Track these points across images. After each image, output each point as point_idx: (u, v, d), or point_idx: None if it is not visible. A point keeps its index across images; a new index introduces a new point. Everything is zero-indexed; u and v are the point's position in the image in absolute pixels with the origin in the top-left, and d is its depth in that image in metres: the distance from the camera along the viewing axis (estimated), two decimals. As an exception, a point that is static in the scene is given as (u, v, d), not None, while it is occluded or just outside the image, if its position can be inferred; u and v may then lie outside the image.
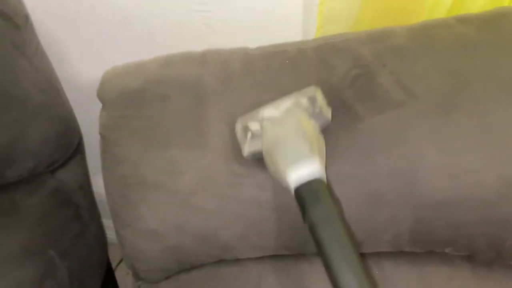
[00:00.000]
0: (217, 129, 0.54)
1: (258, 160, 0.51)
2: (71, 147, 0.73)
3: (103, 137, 0.62)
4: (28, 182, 0.68)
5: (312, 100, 0.49)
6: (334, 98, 0.51)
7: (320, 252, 0.42)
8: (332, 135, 0.51)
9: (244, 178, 0.53)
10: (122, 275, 1.12)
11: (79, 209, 0.73)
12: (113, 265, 1.05)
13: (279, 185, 0.53)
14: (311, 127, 0.47)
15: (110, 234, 0.90)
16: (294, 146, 0.44)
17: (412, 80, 0.52)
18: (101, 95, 0.62)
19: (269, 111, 0.49)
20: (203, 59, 0.60)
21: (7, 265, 0.63)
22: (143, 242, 0.60)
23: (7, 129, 0.61)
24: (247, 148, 0.50)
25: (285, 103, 0.49)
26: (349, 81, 0.52)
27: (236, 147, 0.53)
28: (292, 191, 0.43)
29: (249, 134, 0.50)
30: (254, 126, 0.50)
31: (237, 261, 0.62)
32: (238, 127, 0.51)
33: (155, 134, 0.56)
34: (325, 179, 0.44)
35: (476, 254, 0.55)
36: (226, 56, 0.60)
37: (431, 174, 0.50)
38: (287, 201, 0.53)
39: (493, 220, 0.50)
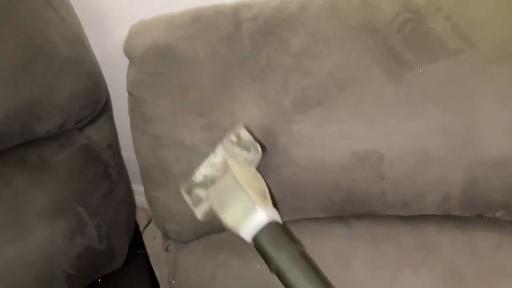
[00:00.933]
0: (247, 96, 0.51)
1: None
2: (98, 104, 0.71)
3: (131, 94, 0.59)
4: (56, 138, 0.66)
5: (239, 137, 0.50)
6: (378, 43, 0.47)
7: None
8: (377, 84, 0.47)
9: (279, 136, 0.50)
10: (149, 239, 1.13)
11: (108, 168, 0.72)
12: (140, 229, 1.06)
13: (316, 141, 0.50)
14: (246, 172, 0.48)
15: (136, 198, 0.90)
16: (235, 204, 0.46)
17: (470, 26, 0.47)
18: (128, 51, 0.59)
19: (205, 170, 0.51)
20: (236, 12, 0.56)
21: (38, 219, 0.63)
22: (176, 203, 0.58)
23: (35, 82, 0.59)
24: (199, 214, 0.51)
25: (217, 157, 0.50)
26: (397, 25, 0.48)
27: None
28: (252, 244, 0.45)
29: (195, 200, 0.51)
30: (198, 190, 0.51)
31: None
32: (183, 192, 0.52)
33: (190, 96, 0.54)
34: (275, 218, 0.44)
35: (531, 219, 0.51)
36: (259, 7, 0.56)
37: (489, 130, 0.45)
38: (325, 159, 0.49)
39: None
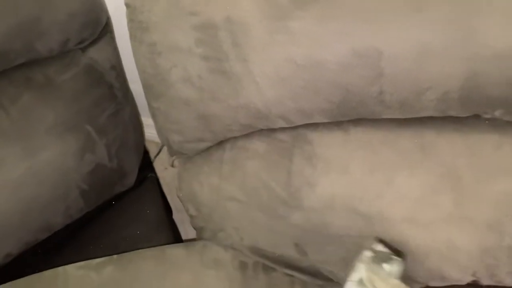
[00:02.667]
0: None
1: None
2: (99, 25, 0.70)
3: (128, 5, 0.59)
4: (60, 58, 0.67)
5: (375, 252, 0.51)
6: None
7: None
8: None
9: (277, 35, 0.50)
10: (161, 170, 1.16)
11: (113, 89, 0.73)
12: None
13: (315, 39, 0.49)
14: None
15: (146, 132, 0.92)
16: None
17: None
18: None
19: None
20: None
21: (48, 136, 0.65)
22: (176, 111, 0.60)
23: (33, -2, 0.59)
24: None
25: (358, 275, 0.50)
26: None
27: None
28: None
29: None
30: None
31: (269, 134, 0.61)
32: None
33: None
34: None
35: (531, 117, 0.51)
36: None
37: (491, 21, 0.44)
38: (324, 57, 0.49)
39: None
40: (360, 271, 0.52)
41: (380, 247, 0.52)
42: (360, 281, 0.51)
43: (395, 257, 0.52)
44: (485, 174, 0.54)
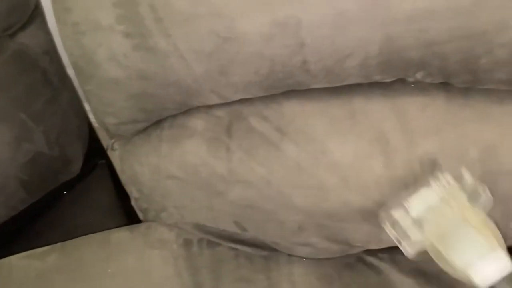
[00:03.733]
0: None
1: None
2: (27, 9, 0.68)
3: (52, -14, 0.57)
4: (-14, 45, 0.65)
5: (460, 180, 0.47)
6: None
7: None
8: None
9: (199, 7, 0.49)
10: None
11: (47, 74, 0.71)
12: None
13: (236, 10, 0.49)
14: (478, 217, 0.45)
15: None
16: (469, 243, 0.43)
17: None
18: None
19: (417, 207, 0.48)
20: None
21: (-22, 126, 0.63)
22: (107, 93, 0.59)
23: None
24: (410, 252, 0.48)
25: (434, 194, 0.47)
26: None
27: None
28: None
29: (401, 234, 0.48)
30: (404, 223, 0.48)
31: (207, 110, 0.61)
32: (388, 226, 0.49)
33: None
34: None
35: (450, 78, 0.52)
36: None
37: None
38: (246, 29, 0.49)
39: (467, 33, 0.46)
40: (435, 193, 0.48)
41: (469, 177, 0.48)
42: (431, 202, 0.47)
43: (485, 189, 0.47)
44: (413, 135, 0.55)
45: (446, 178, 0.49)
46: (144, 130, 0.63)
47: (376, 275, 0.62)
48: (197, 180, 0.59)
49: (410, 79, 0.53)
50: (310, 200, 0.57)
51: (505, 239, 0.46)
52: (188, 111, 0.60)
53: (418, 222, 0.48)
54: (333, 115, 0.56)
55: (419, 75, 0.52)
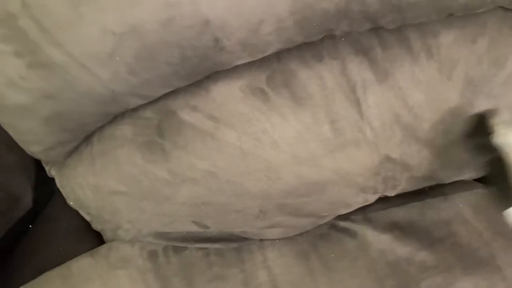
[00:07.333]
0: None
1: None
2: None
3: None
4: None
5: None
6: None
7: None
8: None
9: (82, 7, 0.43)
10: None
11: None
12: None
13: (122, 1, 0.43)
14: None
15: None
16: None
17: None
18: None
19: None
20: None
21: None
22: (19, 121, 0.53)
23: None
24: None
25: None
26: None
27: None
28: None
29: None
30: None
31: (132, 114, 0.55)
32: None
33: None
34: None
35: (377, 21, 0.48)
36: None
37: None
38: (140, 18, 0.43)
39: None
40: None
41: None
42: None
43: None
44: (354, 93, 0.52)
45: None
46: (75, 149, 0.58)
47: (351, 239, 0.60)
48: (141, 190, 0.55)
49: (337, 33, 0.49)
50: (263, 183, 0.53)
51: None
52: (114, 119, 0.55)
53: None
54: (266, 90, 0.52)
55: (344, 26, 0.48)
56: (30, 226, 0.81)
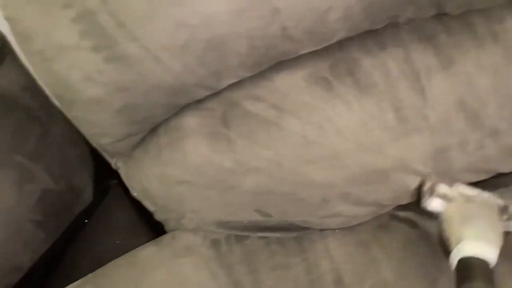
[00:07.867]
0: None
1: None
2: (-7, 49, 0.65)
3: (8, 19, 0.54)
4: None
5: (504, 210, 0.54)
6: None
7: None
8: None
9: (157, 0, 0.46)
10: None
11: (32, 111, 0.68)
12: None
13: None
14: (497, 223, 0.52)
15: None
16: (481, 227, 0.49)
17: None
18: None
19: (466, 190, 0.55)
20: None
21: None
22: (93, 114, 0.56)
23: None
24: (429, 206, 0.55)
25: (484, 194, 0.55)
26: None
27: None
28: (456, 259, 0.47)
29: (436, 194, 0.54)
30: (442, 189, 0.54)
31: (198, 106, 0.57)
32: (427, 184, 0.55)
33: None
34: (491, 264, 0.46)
35: (443, 6, 0.48)
36: None
37: None
38: (213, 9, 0.45)
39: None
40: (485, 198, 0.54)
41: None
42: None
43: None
44: (419, 81, 0.52)
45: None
46: (142, 141, 0.60)
47: (412, 228, 0.60)
48: (206, 179, 0.56)
49: (401, 20, 0.49)
50: (327, 172, 0.54)
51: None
52: (180, 111, 0.57)
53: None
54: (329, 78, 0.52)
55: (409, 13, 0.48)
56: (86, 220, 0.85)
